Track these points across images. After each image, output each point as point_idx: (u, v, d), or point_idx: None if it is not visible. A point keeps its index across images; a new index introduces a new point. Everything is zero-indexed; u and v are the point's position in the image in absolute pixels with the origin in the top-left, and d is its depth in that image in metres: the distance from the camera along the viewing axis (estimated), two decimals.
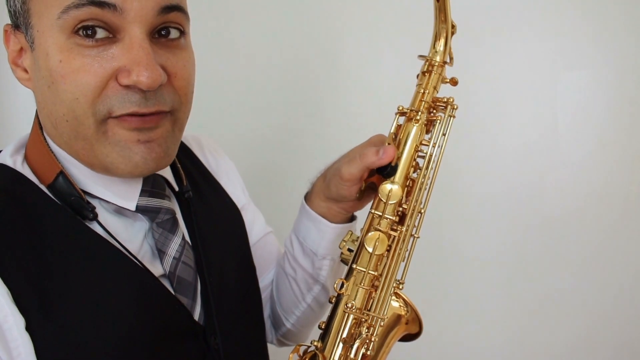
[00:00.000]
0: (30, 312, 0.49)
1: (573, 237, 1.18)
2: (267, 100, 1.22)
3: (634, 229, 1.16)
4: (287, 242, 0.77)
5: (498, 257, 1.21)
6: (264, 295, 0.80)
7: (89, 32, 0.49)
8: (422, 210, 0.64)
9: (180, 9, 0.54)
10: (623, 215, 1.16)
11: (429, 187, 0.65)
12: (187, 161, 0.72)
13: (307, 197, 0.73)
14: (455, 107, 0.67)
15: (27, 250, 0.51)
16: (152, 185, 0.61)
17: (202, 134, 0.80)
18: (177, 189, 0.66)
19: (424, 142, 0.66)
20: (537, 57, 1.13)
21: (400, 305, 0.71)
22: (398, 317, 0.70)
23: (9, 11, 0.55)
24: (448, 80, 0.69)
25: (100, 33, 0.50)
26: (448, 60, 0.69)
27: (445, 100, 0.67)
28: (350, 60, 1.19)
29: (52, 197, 0.55)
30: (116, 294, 0.54)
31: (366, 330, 0.59)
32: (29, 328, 0.49)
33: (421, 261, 1.25)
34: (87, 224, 0.55)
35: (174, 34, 0.54)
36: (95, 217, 0.55)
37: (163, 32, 0.54)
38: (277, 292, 0.80)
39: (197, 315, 0.61)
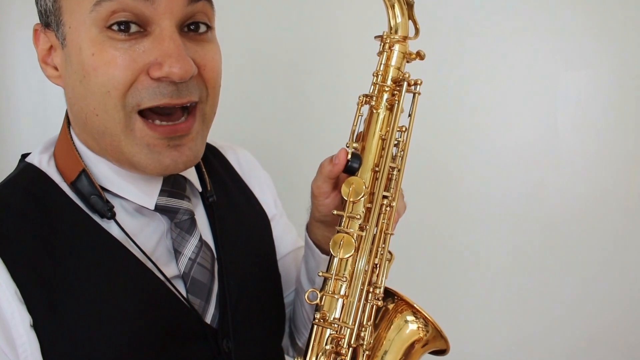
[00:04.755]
0: (38, 310, 0.50)
1: (574, 237, 1.16)
2: (268, 101, 1.23)
3: (635, 229, 1.13)
4: (299, 265, 0.75)
5: (498, 258, 1.19)
6: (289, 310, 0.78)
7: (122, 27, 0.50)
8: (393, 203, 0.58)
9: (207, 1, 0.54)
10: (624, 216, 1.14)
11: (398, 177, 0.58)
12: (219, 167, 0.73)
13: (307, 224, 0.69)
14: (417, 82, 0.60)
15: (40, 249, 0.52)
16: (172, 185, 0.61)
17: (238, 145, 0.82)
18: (200, 190, 0.66)
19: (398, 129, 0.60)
20: (537, 57, 1.12)
21: (418, 327, 0.64)
22: (412, 344, 0.64)
23: (39, 11, 0.56)
24: (413, 55, 0.62)
25: (133, 28, 0.50)
26: (412, 35, 0.62)
27: (401, 77, 0.59)
28: (350, 61, 1.17)
29: (71, 197, 0.56)
30: (124, 296, 0.54)
31: (331, 343, 0.54)
32: (35, 326, 0.49)
33: (421, 263, 1.20)
34: (104, 222, 0.56)
35: (201, 28, 0.55)
36: (113, 216, 0.56)
37: (192, 27, 0.54)
38: (292, 310, 0.78)
39: (209, 317, 0.60)
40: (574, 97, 1.12)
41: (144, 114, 0.53)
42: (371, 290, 0.57)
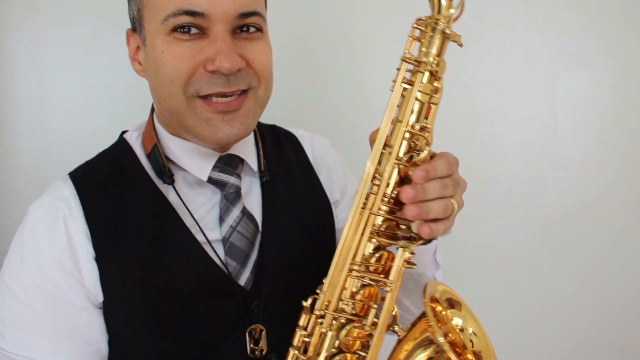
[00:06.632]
0: (100, 247, 0.65)
1: (573, 236, 1.18)
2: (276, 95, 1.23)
3: (634, 228, 1.16)
4: None
5: (498, 257, 1.21)
6: None
7: (185, 29, 0.64)
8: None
9: (257, 14, 0.66)
10: (623, 215, 1.16)
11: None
12: (292, 153, 0.84)
13: None
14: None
15: (110, 201, 0.68)
16: (225, 163, 0.73)
17: (319, 134, 0.90)
18: (255, 169, 0.77)
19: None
20: (536, 57, 1.14)
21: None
22: None
23: (130, 18, 0.71)
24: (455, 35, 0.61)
25: (193, 30, 0.64)
26: (453, 13, 0.61)
27: (415, 59, 0.61)
28: (362, 50, 1.18)
29: (144, 166, 0.71)
30: (166, 247, 0.68)
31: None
32: (97, 259, 0.65)
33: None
34: (164, 188, 0.70)
35: (251, 29, 0.67)
36: (172, 182, 0.69)
37: (244, 29, 0.67)
38: None
39: (243, 280, 0.71)
40: (574, 97, 1.13)
41: (203, 97, 0.66)
42: (355, 268, 0.59)
